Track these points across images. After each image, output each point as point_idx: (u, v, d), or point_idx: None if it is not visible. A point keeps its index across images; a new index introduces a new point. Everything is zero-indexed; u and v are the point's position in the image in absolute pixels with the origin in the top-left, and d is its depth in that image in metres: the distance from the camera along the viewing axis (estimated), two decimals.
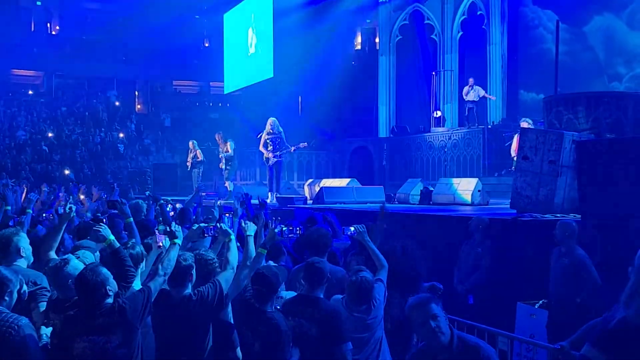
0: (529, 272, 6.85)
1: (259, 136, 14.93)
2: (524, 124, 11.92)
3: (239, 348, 4.40)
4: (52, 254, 4.91)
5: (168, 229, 4.52)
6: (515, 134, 12.42)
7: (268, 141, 14.22)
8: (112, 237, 4.51)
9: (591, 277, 6.03)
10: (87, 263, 4.35)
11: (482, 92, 17.86)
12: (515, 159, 10.80)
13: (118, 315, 3.77)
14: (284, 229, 5.09)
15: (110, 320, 3.75)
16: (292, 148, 14.42)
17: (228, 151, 15.96)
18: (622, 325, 2.40)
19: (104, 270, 3.85)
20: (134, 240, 4.98)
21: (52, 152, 24.83)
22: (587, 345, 2.45)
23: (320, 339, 4.41)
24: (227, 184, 16.02)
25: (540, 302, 6.51)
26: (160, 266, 4.13)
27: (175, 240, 4.36)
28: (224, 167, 16.13)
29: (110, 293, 3.81)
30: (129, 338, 3.79)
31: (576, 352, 4.73)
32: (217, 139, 16.45)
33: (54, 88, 31.57)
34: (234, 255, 4.56)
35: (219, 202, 9.05)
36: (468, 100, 17.89)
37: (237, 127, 24.81)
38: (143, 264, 4.64)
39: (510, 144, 12.81)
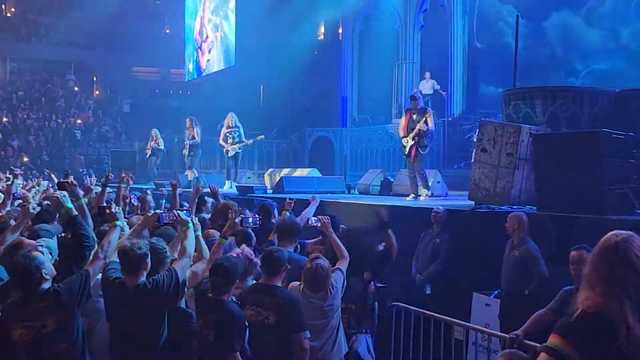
0: (485, 263, 6.94)
1: (220, 127, 15.03)
2: None
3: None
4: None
5: (108, 211, 4.49)
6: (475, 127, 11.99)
7: (228, 135, 14.68)
8: (70, 205, 4.48)
9: (539, 270, 6.12)
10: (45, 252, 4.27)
11: (437, 86, 18.21)
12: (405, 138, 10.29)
13: (53, 300, 3.73)
14: (250, 220, 5.11)
15: (44, 305, 3.73)
16: (250, 141, 15.10)
17: (194, 138, 15.79)
18: (582, 315, 2.50)
19: (39, 256, 3.81)
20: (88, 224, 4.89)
21: (6, 137, 24.21)
22: (552, 336, 2.54)
23: (277, 327, 4.42)
24: (188, 172, 15.84)
25: (496, 292, 6.61)
26: (100, 249, 4.07)
27: (116, 222, 4.32)
28: (186, 153, 15.95)
29: (47, 277, 3.77)
30: (65, 322, 3.77)
31: (530, 342, 4.83)
32: (187, 122, 16.26)
33: (9, 72, 30.77)
34: (191, 244, 4.51)
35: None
36: (425, 94, 18.13)
37: (197, 115, 24.37)
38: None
39: (471, 136, 12.88)
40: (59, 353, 3.73)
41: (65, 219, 4.44)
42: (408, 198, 10.39)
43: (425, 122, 10.04)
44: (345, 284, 5.13)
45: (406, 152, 10.37)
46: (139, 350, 4.15)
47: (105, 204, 6.42)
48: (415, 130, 10.10)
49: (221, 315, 4.20)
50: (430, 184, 11.44)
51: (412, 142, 10.18)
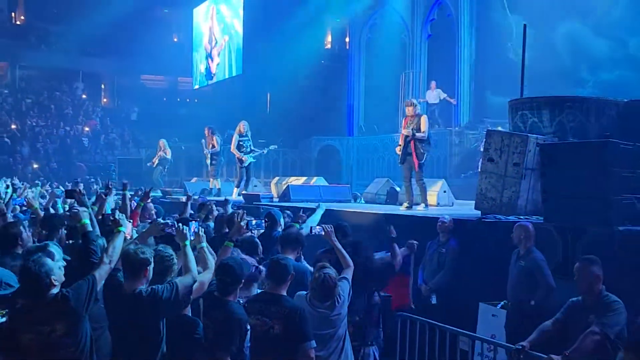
0: (492, 273, 6.91)
1: (231, 134, 15.14)
2: None
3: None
4: None
5: (112, 218, 4.55)
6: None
7: (241, 143, 14.55)
8: (87, 221, 4.58)
9: (545, 281, 6.07)
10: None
11: (442, 95, 18.19)
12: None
13: (61, 304, 3.74)
14: (255, 222, 5.14)
15: (54, 310, 3.74)
16: (265, 150, 15.41)
17: (214, 146, 15.81)
18: None
19: (49, 261, 3.83)
20: (96, 233, 4.92)
21: (14, 144, 24.33)
22: (625, 351, 2.56)
23: (283, 337, 4.41)
24: (213, 181, 15.86)
25: (502, 302, 6.58)
26: (105, 254, 4.11)
27: (120, 229, 4.35)
28: (209, 163, 16.00)
29: (56, 283, 3.79)
30: (73, 327, 3.78)
31: (537, 353, 4.81)
32: (205, 131, 16.31)
33: (18, 79, 30.97)
34: (191, 263, 4.47)
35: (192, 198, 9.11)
36: (431, 103, 18.17)
37: (205, 123, 24.61)
38: None
39: (478, 146, 12.86)
40: (67, 358, 3.74)
41: (79, 232, 4.57)
42: (402, 207, 10.24)
43: (418, 128, 9.81)
44: (351, 292, 5.12)
45: (399, 161, 10.17)
46: (137, 356, 4.16)
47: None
48: (402, 136, 9.93)
49: (224, 314, 4.23)
50: (437, 193, 11.43)
51: (402, 145, 9.92)
